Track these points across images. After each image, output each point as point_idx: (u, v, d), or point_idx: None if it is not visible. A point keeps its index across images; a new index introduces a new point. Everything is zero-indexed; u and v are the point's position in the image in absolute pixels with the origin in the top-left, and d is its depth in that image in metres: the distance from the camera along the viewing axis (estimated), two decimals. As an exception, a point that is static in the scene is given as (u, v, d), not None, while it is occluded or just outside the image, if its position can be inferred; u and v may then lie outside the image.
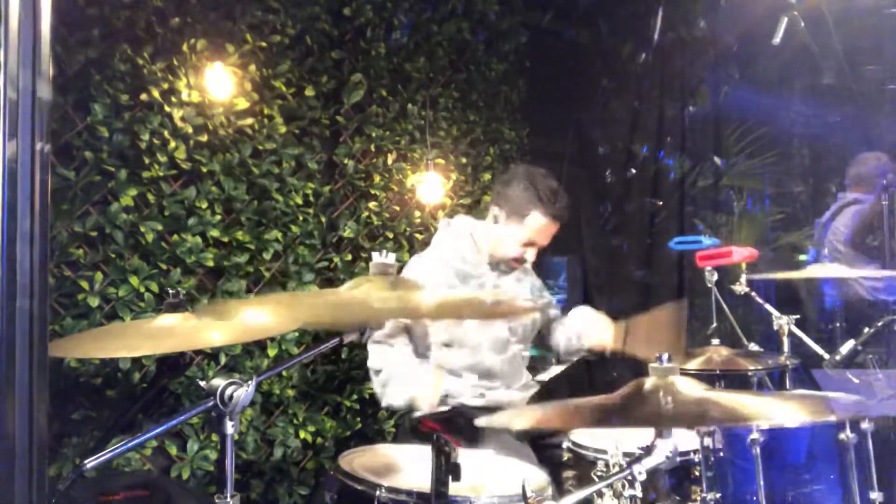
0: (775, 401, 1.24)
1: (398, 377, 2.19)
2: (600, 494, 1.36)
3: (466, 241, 2.45)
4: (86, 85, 2.20)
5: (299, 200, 2.71)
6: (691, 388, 1.24)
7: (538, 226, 2.36)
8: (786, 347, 2.39)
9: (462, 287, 2.36)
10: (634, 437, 1.65)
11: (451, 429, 2.20)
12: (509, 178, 2.43)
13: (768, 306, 2.53)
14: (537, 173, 2.41)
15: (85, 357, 2.13)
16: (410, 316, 2.01)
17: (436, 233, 2.56)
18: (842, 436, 1.57)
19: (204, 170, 2.46)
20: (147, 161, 2.32)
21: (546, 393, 2.59)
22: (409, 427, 2.33)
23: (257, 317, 1.32)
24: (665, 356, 1.25)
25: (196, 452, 2.39)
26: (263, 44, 2.62)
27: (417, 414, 2.24)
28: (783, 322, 2.41)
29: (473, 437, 2.11)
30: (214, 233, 2.46)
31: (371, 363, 2.27)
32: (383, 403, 2.24)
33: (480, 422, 1.40)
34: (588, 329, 2.40)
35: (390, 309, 1.32)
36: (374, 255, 1.46)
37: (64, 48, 2.14)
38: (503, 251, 2.41)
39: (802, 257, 4.29)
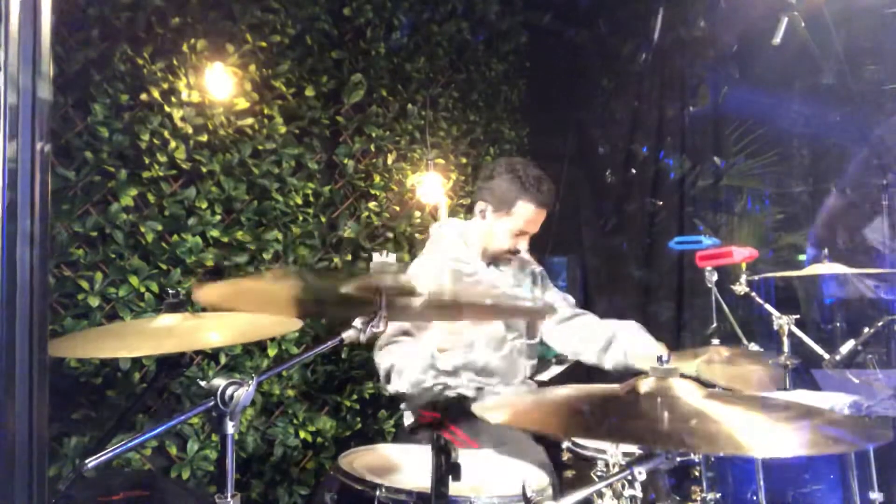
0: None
1: (407, 361, 2.15)
2: (600, 494, 1.35)
3: (458, 240, 2.46)
4: (86, 85, 2.20)
5: (299, 200, 2.71)
6: (690, 395, 1.19)
7: (526, 215, 2.36)
8: (786, 347, 2.39)
9: (459, 285, 2.36)
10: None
11: (453, 417, 2.21)
12: (492, 172, 2.42)
13: (768, 306, 2.53)
14: (519, 163, 2.41)
15: (85, 357, 2.13)
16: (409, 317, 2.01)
17: (429, 239, 2.57)
18: (842, 436, 1.56)
19: (204, 170, 2.46)
20: (147, 161, 2.32)
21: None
22: (413, 416, 2.33)
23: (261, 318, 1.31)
24: (666, 355, 1.24)
25: (196, 452, 2.39)
26: (263, 44, 2.62)
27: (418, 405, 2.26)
28: (783, 322, 2.41)
29: (475, 426, 2.12)
30: (214, 233, 2.46)
31: (382, 364, 2.21)
32: (391, 389, 2.20)
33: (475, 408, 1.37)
34: (644, 353, 2.31)
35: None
36: (374, 255, 1.46)
37: (64, 48, 2.14)
38: (495, 245, 2.42)
39: (802, 257, 4.29)
